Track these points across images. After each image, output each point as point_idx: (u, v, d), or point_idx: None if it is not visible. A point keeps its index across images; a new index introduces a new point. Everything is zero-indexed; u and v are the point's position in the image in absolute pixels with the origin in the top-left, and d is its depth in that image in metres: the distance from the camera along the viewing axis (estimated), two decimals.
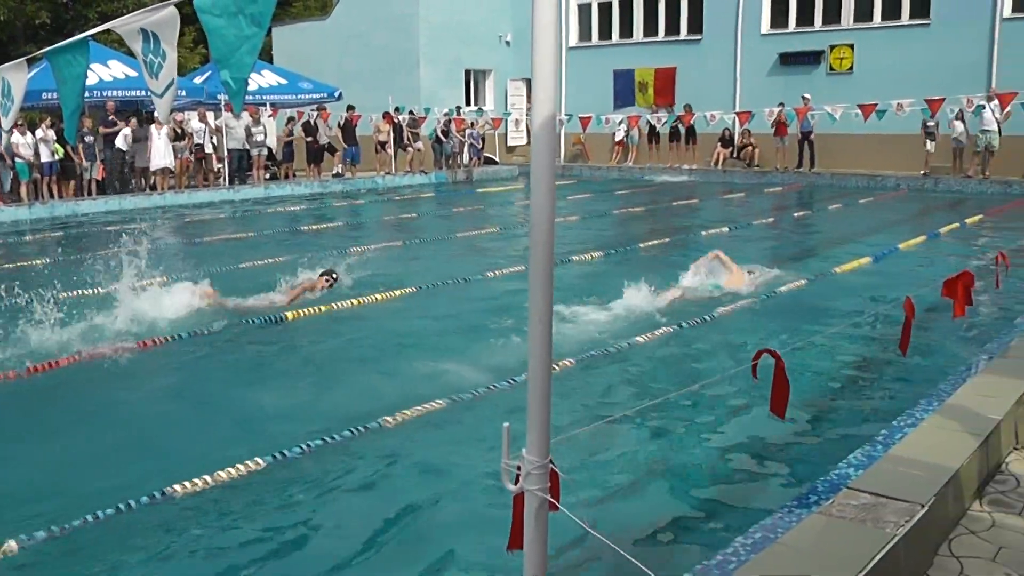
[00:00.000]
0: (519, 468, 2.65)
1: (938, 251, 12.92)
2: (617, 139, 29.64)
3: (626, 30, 30.73)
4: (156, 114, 19.12)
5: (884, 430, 5.08)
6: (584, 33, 31.69)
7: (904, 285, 9.56)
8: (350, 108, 25.73)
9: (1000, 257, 8.82)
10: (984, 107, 21.50)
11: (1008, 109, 21.23)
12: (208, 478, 5.00)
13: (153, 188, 21.96)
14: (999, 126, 21.84)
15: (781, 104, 24.78)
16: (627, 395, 6.67)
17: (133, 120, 21.82)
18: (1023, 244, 13.05)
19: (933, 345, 7.91)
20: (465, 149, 28.26)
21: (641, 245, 13.70)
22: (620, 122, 28.15)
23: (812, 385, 6.92)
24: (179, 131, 22.44)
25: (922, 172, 23.25)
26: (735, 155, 27.44)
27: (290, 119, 25.26)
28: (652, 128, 27.65)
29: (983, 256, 11.64)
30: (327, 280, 9.90)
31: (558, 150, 31.27)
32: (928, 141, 23.04)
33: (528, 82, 32.75)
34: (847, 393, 6.80)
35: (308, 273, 10.26)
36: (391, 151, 26.59)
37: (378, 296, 9.76)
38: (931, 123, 22.70)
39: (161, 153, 21.79)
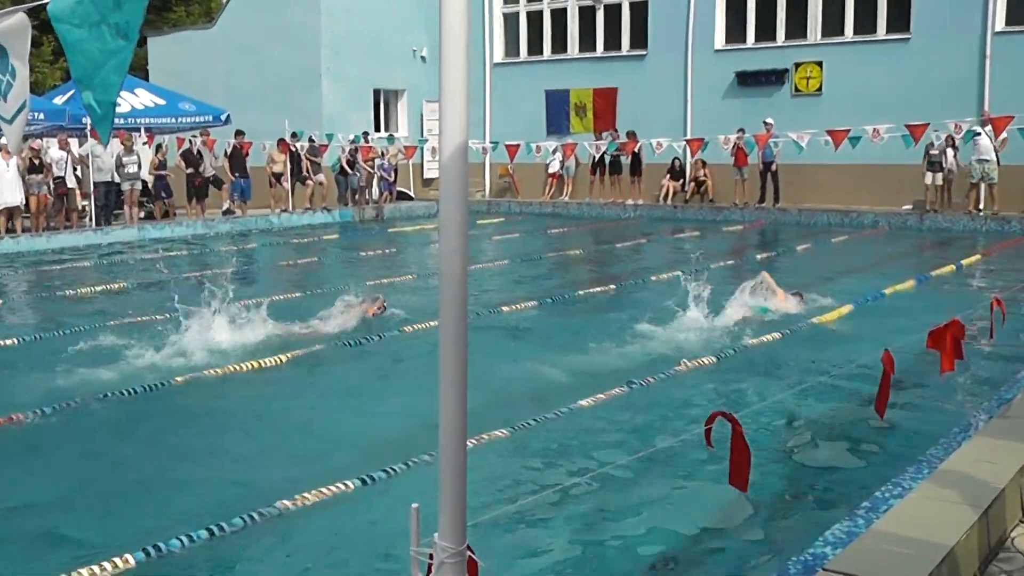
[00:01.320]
0: (431, 557, 2.62)
1: (930, 297, 13.17)
2: (551, 171, 29.99)
3: (559, 44, 31.19)
4: (4, 142, 18.79)
5: (866, 502, 5.11)
6: (511, 47, 32.14)
7: (889, 336, 9.77)
8: (239, 134, 25.63)
9: (995, 303, 9.09)
10: (979, 133, 22.12)
11: (1004, 135, 21.80)
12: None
13: (7, 231, 21.53)
14: (997, 155, 22.52)
15: (740, 130, 25.30)
16: (565, 467, 6.67)
17: None
18: (1014, 288, 13.40)
19: (921, 404, 8.02)
20: (374, 182, 28.28)
21: (580, 293, 13.79)
22: (554, 151, 28.51)
23: (779, 451, 6.97)
24: (35, 162, 22.03)
25: (925, 208, 23.76)
26: (687, 189, 27.94)
27: (159, 147, 25.05)
28: (591, 158, 28.04)
29: (981, 303, 12.01)
30: (379, 306, 11.63)
31: (483, 183, 31.54)
32: (929, 173, 23.58)
33: None
34: (821, 460, 6.86)
35: (352, 299, 11.54)
36: (288, 185, 26.54)
37: (255, 363, 9.51)
38: (935, 151, 23.27)
39: (10, 188, 21.39)
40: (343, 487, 6.02)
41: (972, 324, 10.02)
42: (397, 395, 8.39)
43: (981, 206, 23.04)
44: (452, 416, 2.51)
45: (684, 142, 25.72)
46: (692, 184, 27.88)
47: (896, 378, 7.33)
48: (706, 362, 9.37)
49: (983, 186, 22.90)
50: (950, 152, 23.18)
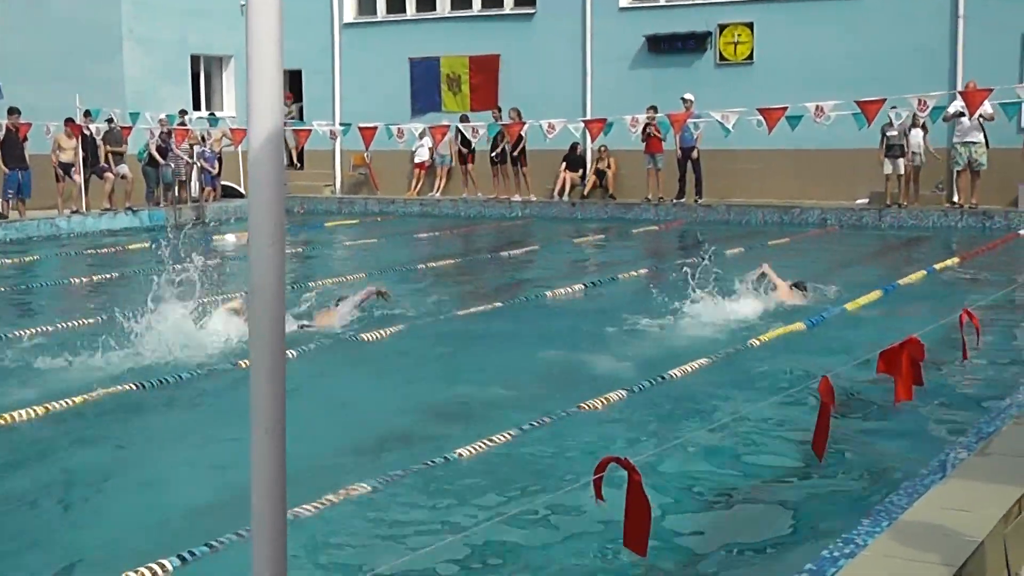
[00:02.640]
0: None
1: (894, 311, 13.46)
2: (418, 160, 30.07)
3: (427, 1, 31.25)
4: None
5: (810, 564, 5.14)
6: (366, 4, 32.19)
7: (837, 359, 9.93)
8: (13, 113, 25.14)
9: (965, 317, 9.27)
10: (963, 114, 22.68)
11: (992, 112, 22.30)
12: None
13: None
14: (985, 136, 23.18)
15: (651, 109, 25.48)
16: (435, 525, 6.70)
17: None
18: (1002, 299, 13.72)
19: (877, 441, 8.14)
20: (193, 175, 27.92)
21: (459, 313, 13.76)
22: (421, 135, 28.54)
23: (694, 503, 7.00)
24: None
25: (884, 202, 24.27)
26: (587, 181, 28.22)
27: None
28: (467, 144, 28.07)
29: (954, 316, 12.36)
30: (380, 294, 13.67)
31: (332, 176, 31.44)
32: (888, 160, 24.09)
33: (290, 75, 32.70)
34: (750, 514, 6.91)
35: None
36: (80, 179, 26.07)
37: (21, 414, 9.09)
38: (893, 132, 23.75)
39: None
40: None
41: (942, 342, 10.25)
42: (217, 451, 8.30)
43: (958, 199, 23.70)
44: (267, 472, 2.48)
45: (582, 124, 25.75)
46: (593, 176, 28.18)
47: (845, 409, 7.44)
48: (619, 396, 9.40)
49: (967, 175, 23.50)
50: (916, 133, 23.78)
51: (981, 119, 22.75)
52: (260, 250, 2.47)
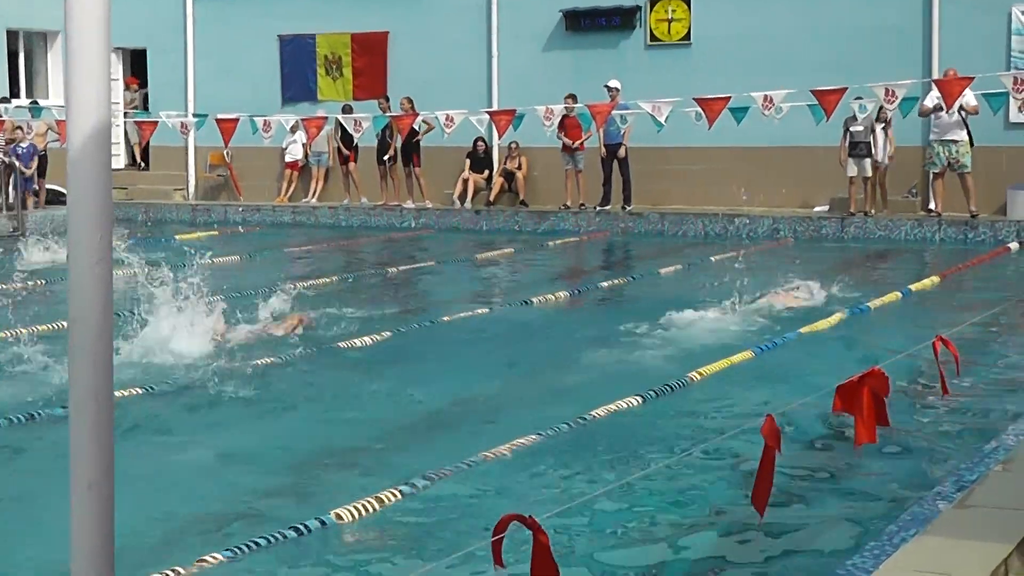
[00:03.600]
0: None
1: (866, 338, 13.60)
2: (289, 159, 30.05)
3: None
4: None
5: None
6: None
7: (792, 394, 9.94)
8: None
9: (939, 345, 9.46)
10: (942, 108, 22.56)
11: (975, 104, 22.45)
12: None
13: None
14: (969, 134, 23.30)
15: (570, 98, 25.63)
16: None
17: None
18: (988, 322, 13.97)
19: (837, 493, 8.13)
20: (9, 179, 27.53)
21: (341, 345, 13.73)
22: (293, 129, 28.56)
23: (608, 566, 6.99)
24: None
25: (849, 210, 24.47)
26: (493, 184, 28.15)
27: None
28: (349, 139, 27.99)
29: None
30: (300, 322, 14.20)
31: (184, 179, 31.59)
32: (852, 160, 24.22)
33: (132, 55, 32.61)
34: None
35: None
36: None
37: None
38: (857, 127, 23.86)
39: None
40: None
41: (916, 374, 10.49)
42: None
43: (934, 206, 23.88)
44: (91, 535, 2.47)
45: (488, 116, 25.60)
46: (500, 178, 28.18)
47: (794, 455, 7.48)
48: (526, 442, 9.37)
49: (944, 180, 23.58)
50: (878, 130, 23.96)
51: (963, 113, 22.87)
52: (82, 271, 2.46)
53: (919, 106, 23.32)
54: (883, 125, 24.06)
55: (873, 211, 24.43)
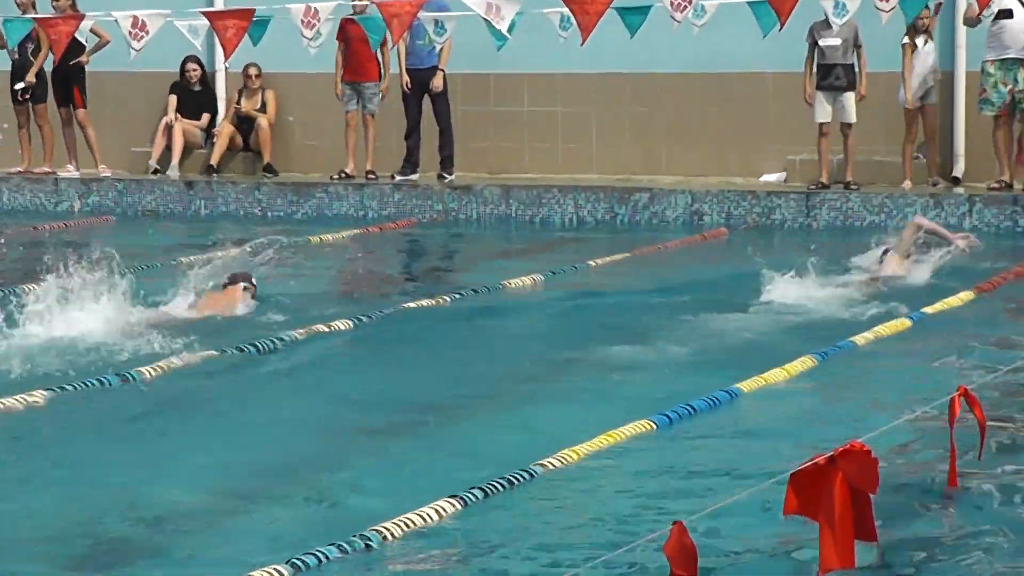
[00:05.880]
0: None
1: (849, 391, 11.13)
2: None
3: None
4: None
5: None
6: None
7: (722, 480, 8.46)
8: None
9: (961, 399, 7.82)
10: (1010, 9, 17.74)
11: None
12: None
13: None
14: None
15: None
16: None
17: None
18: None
19: None
20: None
21: None
22: None
23: None
24: None
25: (820, 180, 19.26)
26: (215, 132, 23.25)
27: None
28: None
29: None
30: (245, 289, 13.31)
31: None
32: (822, 96, 18.89)
33: None
34: None
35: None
36: None
37: None
38: (831, 40, 18.61)
39: None
40: None
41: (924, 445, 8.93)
42: None
43: (1002, 171, 18.41)
44: None
45: (206, 19, 18.55)
46: (230, 125, 22.44)
47: None
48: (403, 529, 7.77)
49: (1008, 127, 18.26)
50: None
51: None
52: None
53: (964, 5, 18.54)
54: (924, 37, 18.52)
55: (855, 181, 18.95)
